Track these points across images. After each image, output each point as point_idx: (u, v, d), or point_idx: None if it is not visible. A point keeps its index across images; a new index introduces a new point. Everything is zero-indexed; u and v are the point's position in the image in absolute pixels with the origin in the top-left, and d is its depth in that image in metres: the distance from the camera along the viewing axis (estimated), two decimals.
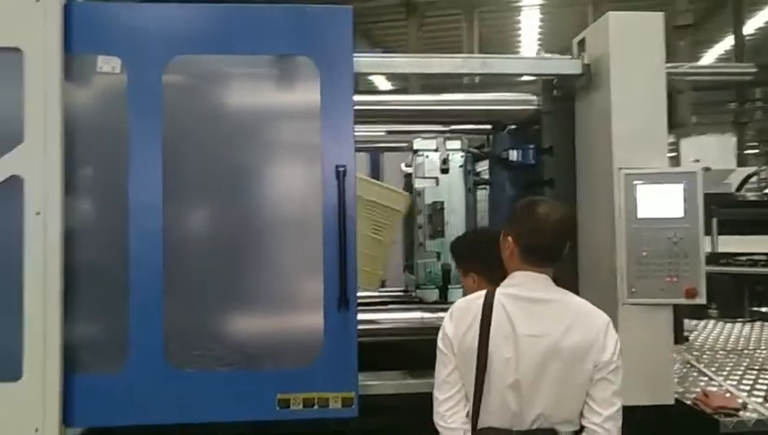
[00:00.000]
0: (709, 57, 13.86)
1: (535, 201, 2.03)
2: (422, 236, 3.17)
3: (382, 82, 12.49)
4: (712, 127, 12.47)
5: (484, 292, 1.90)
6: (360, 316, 2.60)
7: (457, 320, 1.88)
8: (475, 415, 1.84)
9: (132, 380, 2.29)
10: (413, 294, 3.54)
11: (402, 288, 3.94)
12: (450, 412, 1.87)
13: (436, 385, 1.91)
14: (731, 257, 6.06)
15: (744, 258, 6.30)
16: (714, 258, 5.52)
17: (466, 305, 1.91)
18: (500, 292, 1.87)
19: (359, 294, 2.52)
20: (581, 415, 1.83)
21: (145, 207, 2.32)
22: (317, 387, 2.40)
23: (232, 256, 2.40)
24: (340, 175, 2.40)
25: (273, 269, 2.44)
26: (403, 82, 11.86)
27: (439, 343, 1.91)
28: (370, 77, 11.30)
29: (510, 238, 1.93)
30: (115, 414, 2.31)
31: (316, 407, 2.39)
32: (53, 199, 2.23)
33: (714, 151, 7.78)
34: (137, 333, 2.29)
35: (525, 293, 1.86)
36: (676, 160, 9.19)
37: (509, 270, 1.94)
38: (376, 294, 3.96)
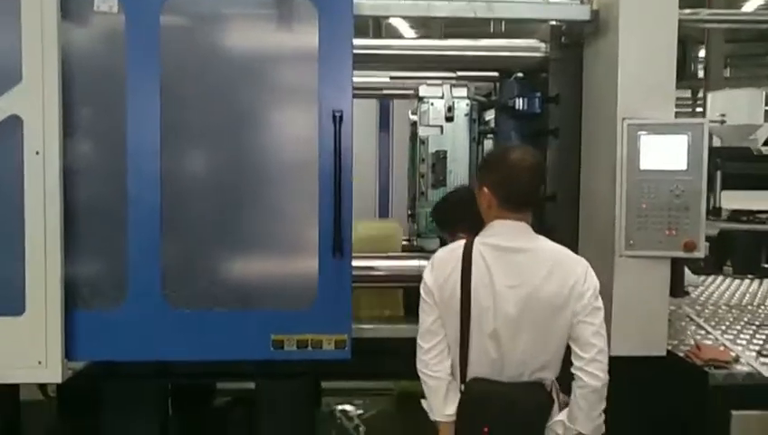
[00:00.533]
0: (752, 5, 13.12)
1: (507, 149, 2.10)
2: (424, 186, 3.14)
3: (407, 30, 12.18)
4: (748, 81, 11.96)
5: (463, 242, 1.89)
6: (358, 263, 2.63)
7: (437, 270, 1.89)
8: (462, 364, 1.86)
9: (131, 317, 2.36)
10: (414, 243, 3.55)
11: (405, 237, 3.95)
12: (435, 361, 1.89)
13: (420, 334, 1.93)
14: (751, 215, 5.94)
15: (764, 216, 6.17)
16: (734, 216, 5.42)
17: (446, 255, 1.91)
18: (479, 241, 1.86)
19: None
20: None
21: (142, 148, 2.34)
22: (311, 329, 2.45)
23: (228, 199, 2.42)
24: (337, 120, 2.38)
25: (269, 212, 2.46)
26: (426, 30, 11.54)
27: (422, 293, 1.92)
28: (395, 25, 11.06)
29: (486, 189, 1.90)
30: (115, 349, 2.40)
31: (310, 348, 2.45)
32: (52, 139, 2.26)
33: (745, 106, 7.47)
34: (135, 272, 2.35)
35: (504, 242, 1.84)
36: (701, 115, 8.92)
37: (487, 220, 1.92)
38: None
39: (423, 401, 1.98)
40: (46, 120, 2.25)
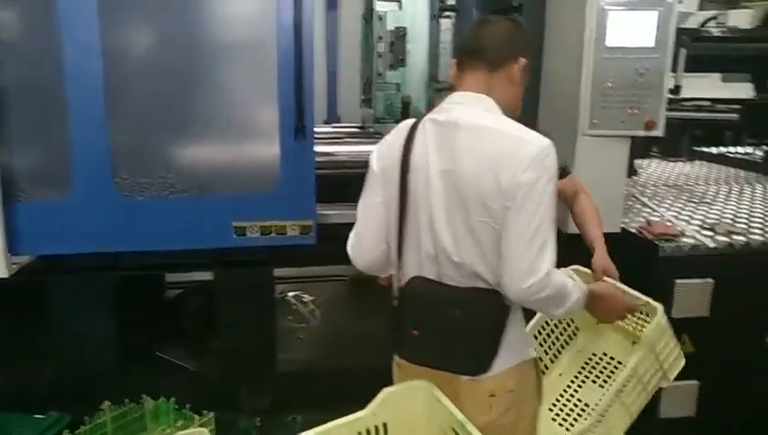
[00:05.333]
0: None
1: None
2: (382, 66, 3.01)
3: None
4: None
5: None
6: (318, 148, 2.53)
7: (384, 145, 1.62)
8: (399, 258, 1.57)
9: (79, 206, 2.19)
10: (371, 129, 3.47)
11: (359, 124, 3.84)
12: (360, 247, 1.65)
13: (359, 207, 1.64)
14: (677, 103, 6.21)
15: (689, 103, 6.47)
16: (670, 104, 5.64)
17: (398, 129, 1.61)
18: (428, 117, 1.55)
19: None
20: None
21: (78, 17, 2.07)
22: (274, 215, 2.38)
23: (182, 77, 2.22)
24: None
25: (226, 92, 2.29)
26: None
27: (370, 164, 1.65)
28: None
29: (453, 59, 1.66)
30: (62, 242, 2.24)
31: (273, 234, 2.38)
32: None
33: None
34: (80, 157, 2.16)
35: (453, 117, 1.48)
36: None
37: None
38: (330, 130, 3.88)
39: None
40: None
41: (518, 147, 1.39)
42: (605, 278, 1.84)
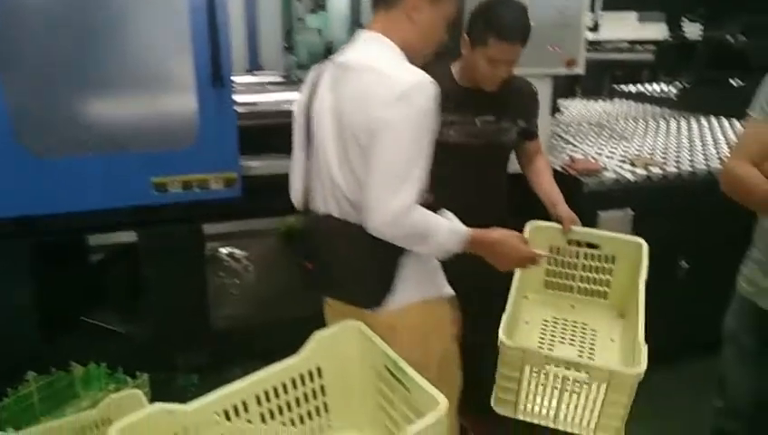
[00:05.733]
0: None
1: None
2: (302, 11, 2.90)
3: None
4: None
5: None
6: (239, 98, 2.44)
7: (303, 88, 1.60)
8: (305, 194, 1.59)
9: None
10: (294, 77, 3.36)
11: (282, 72, 3.72)
12: (294, 185, 1.66)
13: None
14: (598, 45, 6.37)
15: (609, 45, 6.65)
16: (592, 46, 5.76)
17: (310, 74, 1.60)
18: (331, 59, 1.54)
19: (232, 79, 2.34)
20: None
21: None
22: (196, 169, 2.29)
23: (83, 29, 2.07)
24: None
25: (134, 44, 2.15)
26: None
27: None
28: None
29: None
30: None
31: (196, 189, 2.30)
32: None
33: None
34: None
35: (346, 59, 1.47)
36: None
37: None
38: (253, 79, 3.74)
39: None
40: None
41: (386, 84, 1.34)
42: (573, 227, 1.93)
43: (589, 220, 2.46)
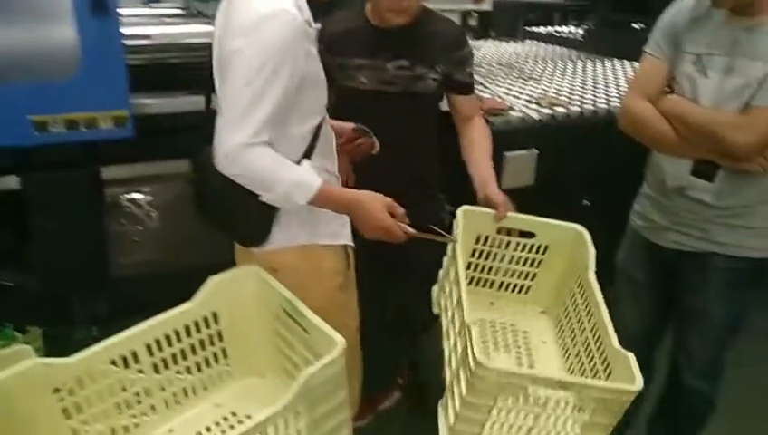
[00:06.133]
0: None
1: None
2: None
3: None
4: None
5: None
6: (131, 31, 2.24)
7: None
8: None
9: None
10: (194, 9, 3.14)
11: (182, 4, 3.46)
12: None
13: None
14: None
15: None
16: None
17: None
18: None
19: (123, 10, 2.14)
20: None
21: None
22: (81, 107, 2.11)
23: None
24: None
25: None
26: None
27: None
28: None
29: None
30: None
31: (83, 128, 2.12)
32: None
33: None
34: None
35: None
36: None
37: None
38: (147, 11, 3.46)
39: None
40: None
41: (244, 14, 1.29)
42: (509, 214, 1.66)
43: (497, 161, 2.47)
